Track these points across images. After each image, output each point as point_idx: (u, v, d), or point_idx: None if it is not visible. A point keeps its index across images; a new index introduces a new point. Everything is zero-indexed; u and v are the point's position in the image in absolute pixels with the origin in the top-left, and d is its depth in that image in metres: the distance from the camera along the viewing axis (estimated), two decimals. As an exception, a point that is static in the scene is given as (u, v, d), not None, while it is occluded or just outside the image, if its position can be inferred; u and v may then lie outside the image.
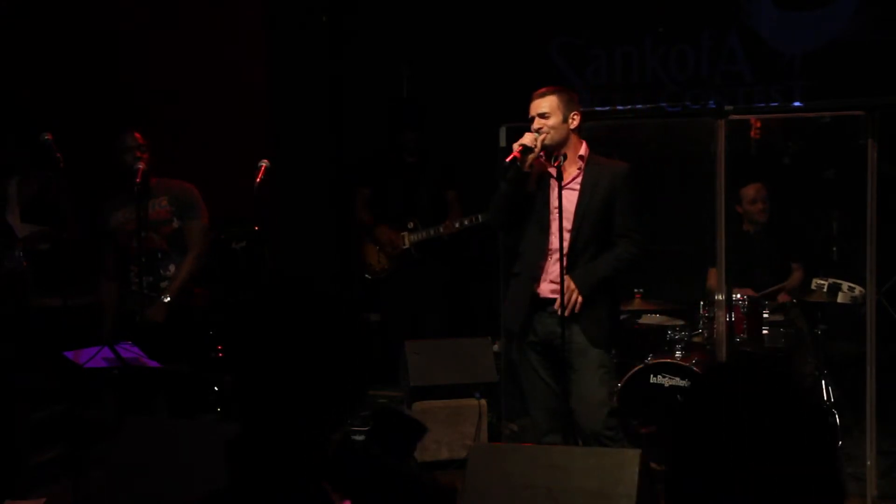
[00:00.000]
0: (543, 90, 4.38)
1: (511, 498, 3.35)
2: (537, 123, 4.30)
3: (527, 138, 4.24)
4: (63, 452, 5.05)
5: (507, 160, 4.23)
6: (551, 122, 4.28)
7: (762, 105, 6.33)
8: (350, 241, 6.64)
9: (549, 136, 4.27)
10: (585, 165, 4.31)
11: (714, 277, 5.40)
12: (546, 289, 4.33)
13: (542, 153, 4.27)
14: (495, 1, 6.90)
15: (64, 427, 5.05)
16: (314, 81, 6.99)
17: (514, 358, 4.56)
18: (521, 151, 4.20)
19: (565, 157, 4.23)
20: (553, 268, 4.28)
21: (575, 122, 4.30)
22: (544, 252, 4.32)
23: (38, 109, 6.02)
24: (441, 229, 6.17)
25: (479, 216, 5.98)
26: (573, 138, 4.31)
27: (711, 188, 4.84)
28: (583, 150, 4.33)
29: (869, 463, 4.68)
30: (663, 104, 6.55)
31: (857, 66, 6.10)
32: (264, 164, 4.81)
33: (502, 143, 5.50)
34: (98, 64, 6.57)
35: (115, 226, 5.16)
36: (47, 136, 4.77)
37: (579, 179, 4.29)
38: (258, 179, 4.75)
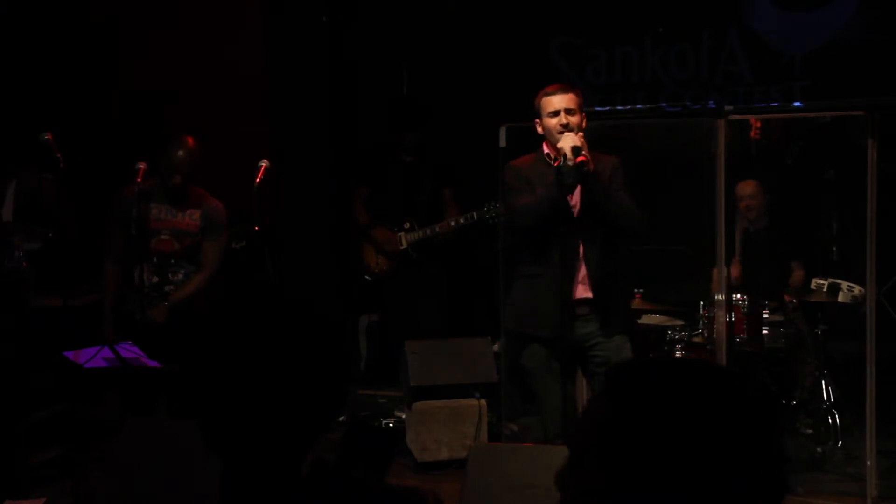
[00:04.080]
0: (563, 86, 4.29)
1: (511, 498, 3.35)
2: (564, 118, 4.17)
3: (575, 140, 4.09)
4: (63, 452, 5.05)
5: (576, 163, 4.03)
6: (576, 120, 4.19)
7: (762, 105, 6.33)
8: (350, 241, 6.64)
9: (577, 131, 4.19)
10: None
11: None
12: (581, 290, 4.27)
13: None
14: (495, 1, 6.90)
15: (64, 427, 5.05)
16: (314, 81, 6.99)
17: (530, 364, 4.39)
18: (584, 156, 4.05)
19: (565, 157, 4.18)
20: (581, 267, 4.25)
21: (584, 121, 4.26)
22: (575, 251, 4.25)
23: (38, 109, 6.02)
24: (437, 229, 6.16)
25: (475, 214, 5.97)
26: None
27: (711, 188, 4.84)
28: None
29: (869, 463, 4.68)
30: (663, 104, 6.55)
31: (857, 66, 6.10)
32: (264, 164, 4.81)
33: (502, 143, 5.49)
34: (98, 64, 6.57)
35: (134, 215, 5.13)
36: (47, 136, 4.78)
37: None
38: (258, 179, 4.75)
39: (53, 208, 5.41)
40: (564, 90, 4.27)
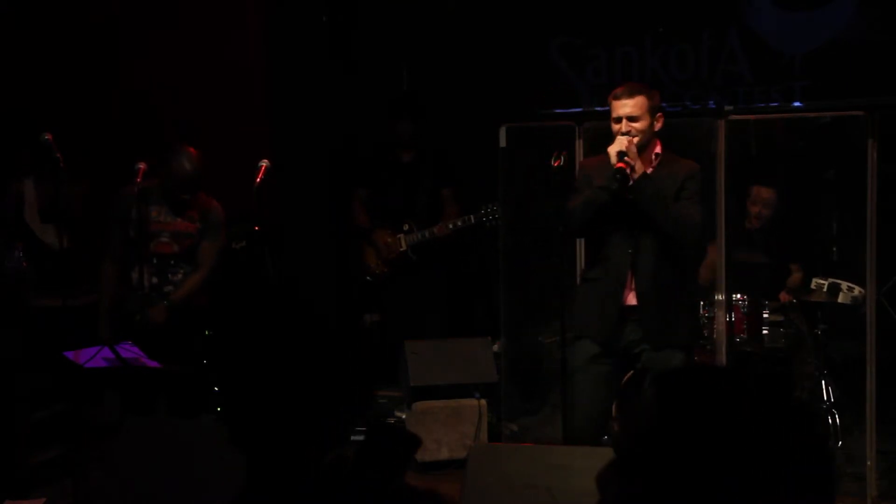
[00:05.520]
0: (631, 88, 4.18)
1: (511, 498, 3.35)
2: (625, 126, 4.09)
3: (622, 144, 4.04)
4: (63, 452, 5.05)
5: (615, 168, 4.01)
6: (641, 124, 4.10)
7: (762, 105, 6.33)
8: (350, 241, 6.65)
9: (639, 139, 4.08)
10: (657, 165, 4.18)
11: (704, 269, 5.43)
12: (630, 297, 4.21)
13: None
14: (495, 1, 6.90)
15: (64, 427, 5.05)
16: (314, 81, 6.99)
17: (572, 364, 4.33)
18: (625, 162, 4.00)
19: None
20: (631, 273, 4.19)
21: (660, 123, 4.16)
22: (627, 257, 4.20)
23: (38, 109, 6.02)
24: (435, 231, 6.17)
25: (472, 217, 5.99)
26: (653, 139, 4.19)
27: (711, 188, 4.84)
28: (658, 149, 4.20)
29: (869, 463, 4.69)
30: (663, 104, 6.53)
31: (857, 66, 6.09)
32: (264, 164, 4.81)
33: (502, 143, 5.50)
34: (98, 64, 6.57)
35: (133, 216, 5.14)
36: (47, 136, 4.78)
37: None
38: (258, 179, 4.75)
39: (72, 205, 5.43)
40: (630, 93, 4.14)
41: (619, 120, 4.13)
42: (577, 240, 5.08)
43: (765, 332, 5.56)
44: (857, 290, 5.05)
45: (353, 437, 5.51)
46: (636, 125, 4.10)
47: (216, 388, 5.18)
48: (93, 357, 4.19)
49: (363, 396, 6.11)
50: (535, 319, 6.10)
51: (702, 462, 1.10)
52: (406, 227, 6.27)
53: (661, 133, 4.27)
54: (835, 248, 6.30)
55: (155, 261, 5.14)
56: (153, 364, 4.31)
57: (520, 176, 5.68)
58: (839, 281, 5.15)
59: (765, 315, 5.56)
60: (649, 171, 4.16)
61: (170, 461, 3.31)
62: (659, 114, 4.17)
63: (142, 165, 4.92)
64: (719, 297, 5.02)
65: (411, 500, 1.56)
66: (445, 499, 1.66)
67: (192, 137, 5.34)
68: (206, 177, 5.24)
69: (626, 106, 4.12)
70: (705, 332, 5.48)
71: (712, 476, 1.09)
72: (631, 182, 4.06)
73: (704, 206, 4.38)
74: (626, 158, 4.03)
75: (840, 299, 5.13)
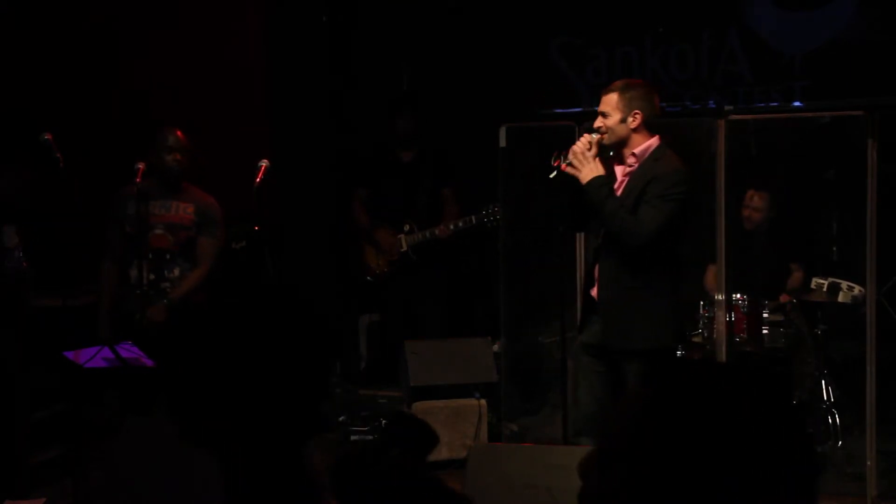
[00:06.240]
0: (611, 85, 4.19)
1: (511, 498, 3.35)
2: (597, 122, 4.13)
3: (577, 144, 4.08)
4: (63, 452, 5.05)
5: (555, 167, 4.12)
6: (609, 121, 4.09)
7: (762, 105, 6.33)
8: (350, 241, 6.65)
9: (606, 136, 4.09)
10: (640, 164, 4.12)
11: (712, 275, 5.41)
12: (595, 290, 4.25)
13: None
14: (495, 1, 6.90)
15: (64, 427, 5.05)
16: (314, 82, 6.99)
17: (574, 352, 4.47)
18: (567, 164, 4.06)
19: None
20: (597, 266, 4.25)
21: (635, 121, 4.06)
22: (593, 254, 4.26)
23: (38, 109, 6.02)
24: (436, 232, 6.17)
25: (473, 217, 5.99)
26: (635, 137, 4.11)
27: (711, 188, 4.84)
28: (639, 149, 4.11)
29: (869, 463, 4.69)
30: (663, 104, 6.54)
31: (857, 66, 6.09)
32: (264, 164, 4.81)
33: (502, 143, 5.51)
34: (98, 64, 6.57)
35: (130, 213, 5.15)
36: (47, 136, 4.78)
37: (626, 181, 4.14)
38: (258, 179, 4.76)
39: (30, 204, 5.43)
40: (607, 90, 4.16)
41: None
42: (578, 240, 5.11)
43: (765, 332, 5.56)
44: (857, 289, 5.05)
45: (352, 437, 5.55)
46: (606, 122, 4.11)
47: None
48: (93, 357, 4.19)
49: (361, 396, 6.12)
50: (535, 319, 6.10)
51: (688, 459, 1.09)
52: (407, 228, 6.27)
53: (661, 133, 4.23)
54: (835, 248, 6.31)
55: (151, 255, 5.14)
56: (153, 364, 4.30)
57: (520, 176, 5.68)
58: (839, 280, 5.15)
59: (765, 315, 5.56)
60: (626, 170, 4.16)
61: (170, 461, 3.30)
62: (636, 111, 4.06)
63: (141, 165, 4.94)
64: (719, 297, 5.02)
65: (439, 492, 1.53)
66: (466, 499, 1.64)
67: (192, 138, 5.35)
68: (206, 175, 5.25)
69: (602, 102, 4.17)
70: (705, 333, 5.48)
71: (698, 474, 1.08)
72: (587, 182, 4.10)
73: (704, 208, 4.38)
74: (570, 158, 4.09)
75: (840, 299, 5.13)
